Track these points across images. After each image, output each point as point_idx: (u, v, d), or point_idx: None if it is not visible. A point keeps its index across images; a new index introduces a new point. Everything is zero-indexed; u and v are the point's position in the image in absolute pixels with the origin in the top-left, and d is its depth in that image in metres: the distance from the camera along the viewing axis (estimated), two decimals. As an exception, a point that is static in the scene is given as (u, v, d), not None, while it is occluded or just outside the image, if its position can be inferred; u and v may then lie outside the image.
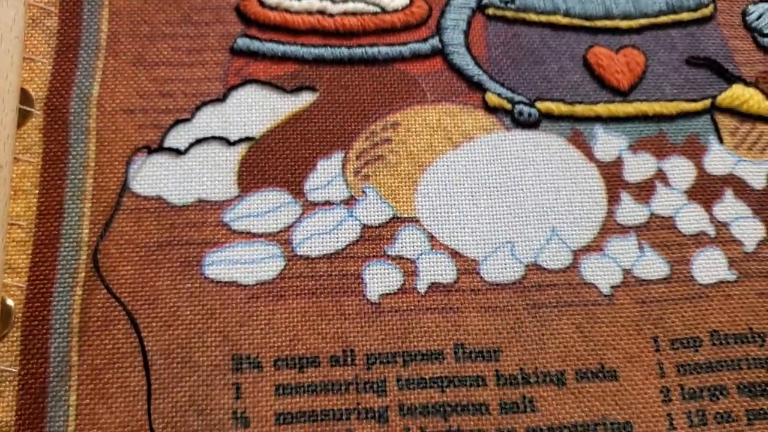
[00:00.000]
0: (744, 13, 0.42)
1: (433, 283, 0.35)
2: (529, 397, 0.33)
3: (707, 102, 0.40)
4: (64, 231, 0.34)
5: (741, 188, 0.38)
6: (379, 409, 0.32)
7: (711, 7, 0.42)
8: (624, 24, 0.41)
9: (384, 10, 0.40)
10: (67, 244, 0.34)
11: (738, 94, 0.40)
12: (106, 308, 0.33)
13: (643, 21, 0.41)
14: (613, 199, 0.37)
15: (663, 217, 0.37)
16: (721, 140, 0.39)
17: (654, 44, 0.41)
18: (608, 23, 0.41)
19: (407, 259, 0.35)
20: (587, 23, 0.41)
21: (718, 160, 0.39)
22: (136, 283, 0.34)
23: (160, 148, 0.36)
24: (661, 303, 0.35)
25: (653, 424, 0.33)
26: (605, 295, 0.35)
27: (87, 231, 0.34)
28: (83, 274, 0.34)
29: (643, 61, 0.40)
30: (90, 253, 0.34)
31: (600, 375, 0.34)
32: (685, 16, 0.42)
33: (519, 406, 0.33)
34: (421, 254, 0.35)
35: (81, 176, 0.35)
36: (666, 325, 0.35)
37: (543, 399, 0.33)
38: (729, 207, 0.38)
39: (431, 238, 0.36)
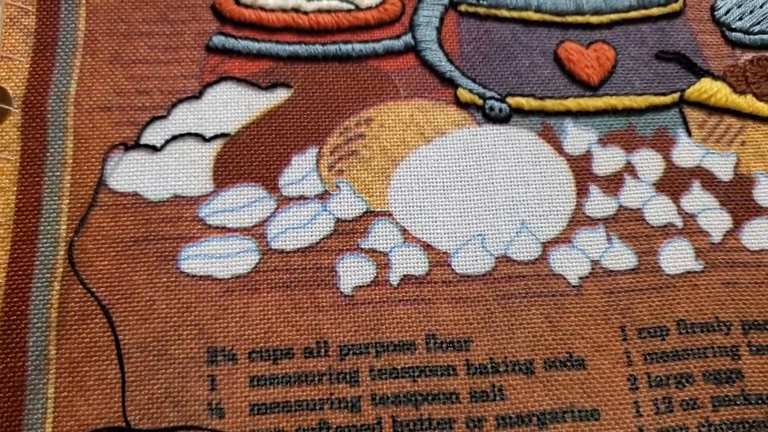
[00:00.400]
0: (713, 8, 0.43)
1: (405, 276, 0.36)
2: (498, 385, 0.34)
3: (676, 96, 0.40)
4: (42, 227, 0.35)
5: (708, 180, 0.39)
6: (352, 399, 0.33)
7: (680, 2, 0.43)
8: (594, 19, 0.42)
9: (358, 8, 0.40)
10: (45, 240, 0.35)
11: (706, 88, 0.40)
12: (83, 302, 0.34)
13: (614, 16, 0.42)
14: (582, 192, 0.38)
15: (631, 209, 0.38)
16: (689, 133, 0.40)
17: (624, 39, 0.42)
18: (579, 18, 0.41)
19: (380, 252, 0.36)
20: (558, 19, 0.41)
21: (686, 152, 0.39)
22: (113, 278, 0.34)
23: (137, 145, 0.37)
24: (628, 293, 0.36)
25: (620, 411, 0.34)
26: (573, 286, 0.36)
27: (65, 227, 0.35)
28: (61, 270, 0.34)
29: (613, 56, 0.41)
30: (67, 249, 0.34)
31: (568, 364, 0.34)
32: (654, 11, 0.42)
33: (488, 395, 0.34)
34: (394, 247, 0.36)
35: (59, 173, 0.36)
36: (633, 314, 0.36)
37: (512, 387, 0.34)
38: (696, 198, 0.38)
39: (404, 231, 0.36)
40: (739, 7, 0.43)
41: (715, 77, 0.41)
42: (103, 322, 0.33)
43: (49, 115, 0.37)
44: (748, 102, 0.41)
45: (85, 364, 0.33)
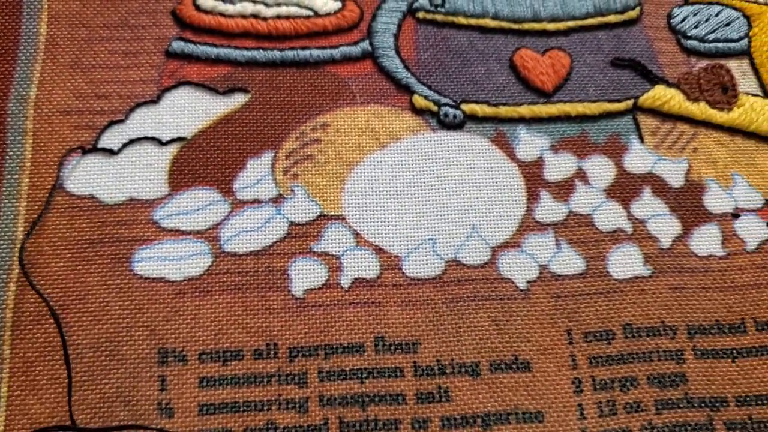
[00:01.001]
0: (669, 16, 0.44)
1: (356, 279, 0.36)
2: (444, 387, 0.35)
3: (630, 102, 0.41)
4: (-2, 229, 0.35)
5: (659, 186, 0.39)
6: (300, 400, 0.34)
7: (637, 10, 0.43)
8: (551, 26, 0.42)
9: (317, 14, 0.41)
10: (1, 242, 0.35)
11: (660, 95, 0.41)
12: (38, 304, 0.34)
13: (571, 23, 0.42)
14: (532, 198, 0.38)
15: (581, 215, 0.38)
16: (642, 140, 0.40)
17: (580, 46, 0.42)
18: (536, 26, 0.42)
19: (332, 255, 0.37)
20: (515, 26, 0.42)
21: (638, 159, 0.40)
22: (67, 279, 0.35)
23: (94, 149, 0.37)
24: (575, 297, 0.37)
25: (564, 413, 0.35)
26: (521, 290, 0.36)
27: (21, 229, 0.36)
28: (17, 271, 0.35)
29: (569, 63, 0.41)
30: (25, 251, 0.35)
31: (513, 366, 0.35)
32: (611, 18, 0.43)
33: (434, 396, 0.34)
34: (346, 251, 0.37)
35: (17, 176, 0.36)
36: (580, 318, 0.36)
37: (458, 389, 0.35)
38: (647, 204, 0.39)
39: (356, 235, 0.37)
40: (695, 15, 0.44)
41: (669, 84, 0.42)
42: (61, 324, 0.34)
43: (9, 119, 0.37)
44: (700, 109, 0.41)
45: (38, 363, 0.34)
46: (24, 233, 0.36)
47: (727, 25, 0.44)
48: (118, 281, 0.35)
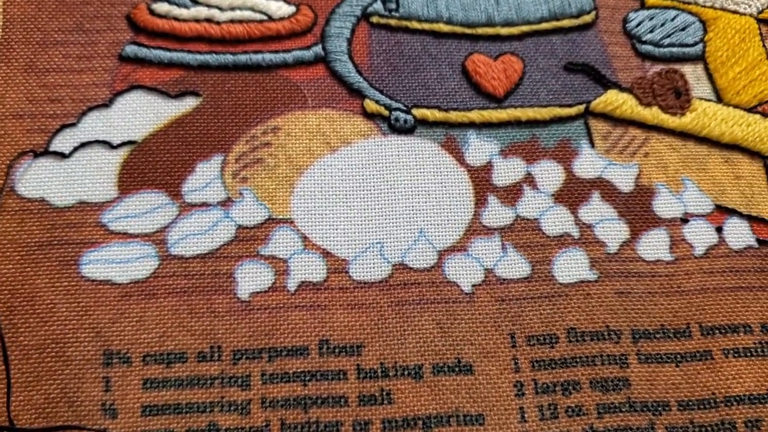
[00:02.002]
0: (625, 20, 0.44)
1: (303, 282, 0.37)
2: (387, 390, 0.35)
3: (581, 107, 0.41)
4: (-51, 231, 0.36)
5: (609, 191, 0.40)
6: (242, 402, 0.34)
7: (593, 14, 0.44)
8: (505, 31, 0.42)
9: (270, 18, 0.41)
10: (-49, 244, 0.36)
11: (612, 99, 0.41)
12: (-14, 305, 0.35)
13: (525, 28, 0.43)
14: (480, 202, 0.39)
15: (528, 219, 0.39)
16: (592, 144, 0.41)
17: (534, 50, 0.42)
18: (489, 30, 0.42)
19: (280, 258, 0.37)
20: (469, 30, 0.42)
21: (588, 163, 0.40)
22: (16, 281, 0.35)
23: (46, 152, 0.38)
24: (519, 301, 0.37)
25: (505, 416, 0.35)
26: (466, 293, 0.37)
27: (-29, 231, 0.36)
28: (-35, 273, 0.35)
29: (521, 68, 0.42)
30: (-27, 253, 0.36)
31: (456, 369, 0.35)
32: (566, 22, 0.43)
33: (377, 399, 0.35)
34: (294, 254, 0.37)
35: (-31, 179, 0.37)
36: (524, 322, 0.36)
37: (400, 392, 0.35)
38: (595, 209, 0.39)
39: (304, 238, 0.37)
40: (651, 19, 0.44)
41: (622, 89, 0.42)
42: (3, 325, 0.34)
43: (-38, 122, 0.38)
44: (653, 114, 0.41)
45: (-16, 364, 0.34)
46: (-26, 235, 0.36)
47: (683, 29, 0.44)
48: (66, 283, 0.36)
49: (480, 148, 0.40)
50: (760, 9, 0.44)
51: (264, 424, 0.34)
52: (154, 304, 0.35)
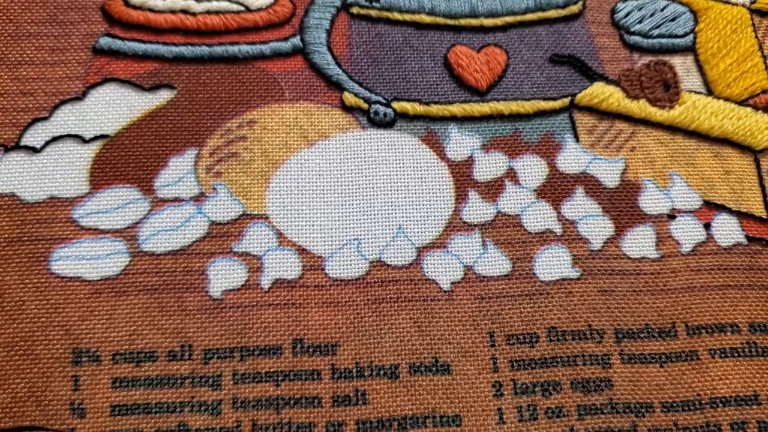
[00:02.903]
0: (613, 11, 0.43)
1: (277, 279, 0.36)
2: (362, 390, 0.34)
3: (566, 100, 0.40)
4: None
5: (593, 186, 0.39)
6: (213, 403, 0.33)
7: (580, 5, 0.43)
8: (489, 22, 0.41)
9: (248, 9, 0.40)
10: None
11: (597, 92, 0.40)
12: (-46, 302, 0.34)
13: (509, 19, 0.42)
14: (460, 198, 0.38)
15: (509, 215, 0.38)
16: (577, 138, 0.40)
17: (518, 42, 0.41)
18: (473, 21, 0.41)
19: (253, 255, 0.36)
20: (451, 22, 0.41)
21: (572, 158, 0.39)
22: (-16, 278, 0.35)
23: (17, 146, 0.37)
24: (500, 299, 0.36)
25: (483, 417, 0.34)
26: (444, 291, 0.36)
27: (-60, 227, 0.35)
28: (-67, 269, 0.35)
29: (504, 60, 0.40)
30: (-59, 249, 0.35)
31: (433, 369, 0.35)
32: (552, 13, 0.42)
33: (351, 399, 0.34)
34: (268, 251, 0.36)
35: (-62, 173, 0.36)
36: (503, 320, 0.36)
37: (375, 392, 0.34)
38: (579, 205, 0.38)
39: (279, 234, 0.37)
40: (639, 10, 0.43)
41: (609, 81, 0.41)
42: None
43: (-68, 116, 0.37)
44: (640, 107, 0.40)
45: (-48, 363, 0.33)
46: (-57, 231, 0.35)
47: (673, 20, 0.43)
48: (35, 280, 0.35)
49: (461, 143, 0.39)
50: (753, -1, 0.43)
51: (235, 424, 0.33)
52: (124, 301, 0.35)
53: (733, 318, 0.36)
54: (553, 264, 0.37)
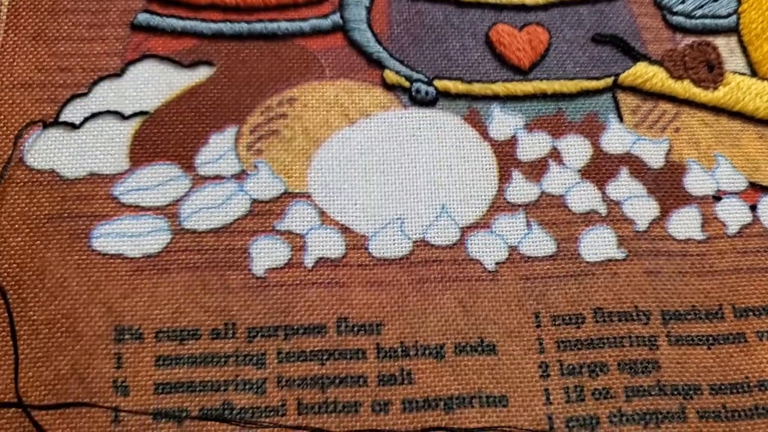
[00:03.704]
0: (655, -9, 0.42)
1: (320, 258, 0.35)
2: (407, 369, 0.34)
3: (609, 80, 0.40)
4: (-44, 203, 0.35)
5: (638, 167, 0.38)
6: (257, 381, 0.33)
7: (621, -16, 0.42)
8: (530, 1, 0.41)
9: (287, -14, 0.40)
10: (-42, 216, 0.35)
11: (641, 72, 0.40)
12: (-6, 279, 0.34)
13: (551, -2, 0.41)
14: (504, 178, 0.37)
15: (553, 196, 0.37)
16: (621, 119, 0.39)
17: (560, 21, 0.41)
18: (514, 0, 0.41)
19: (296, 234, 0.36)
20: (492, 0, 0.41)
21: (616, 138, 0.39)
22: (25, 255, 0.34)
23: (56, 122, 0.36)
24: (545, 280, 0.35)
25: (529, 398, 0.34)
26: (489, 271, 0.35)
27: (-21, 203, 0.35)
28: (-26, 246, 0.34)
29: (547, 39, 0.40)
30: (-19, 225, 0.35)
31: (479, 349, 0.34)
32: (594, -7, 0.41)
33: (396, 378, 0.33)
34: (311, 229, 0.36)
35: (-24, 149, 0.36)
36: (548, 301, 0.35)
37: (421, 371, 0.34)
38: (623, 186, 0.38)
39: (322, 213, 0.36)
40: (682, -10, 0.42)
41: (652, 61, 0.40)
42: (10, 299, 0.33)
43: (-30, 91, 0.37)
44: (684, 87, 0.40)
45: (-8, 340, 0.33)
46: (-18, 207, 0.35)
47: (716, 0, 0.42)
48: (77, 257, 0.34)
49: (504, 122, 0.38)
50: (797, -21, 0.43)
51: (280, 403, 0.33)
52: (166, 279, 0.34)
53: (780, 300, 0.36)
54: (598, 245, 0.36)
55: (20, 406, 0.31)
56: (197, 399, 0.33)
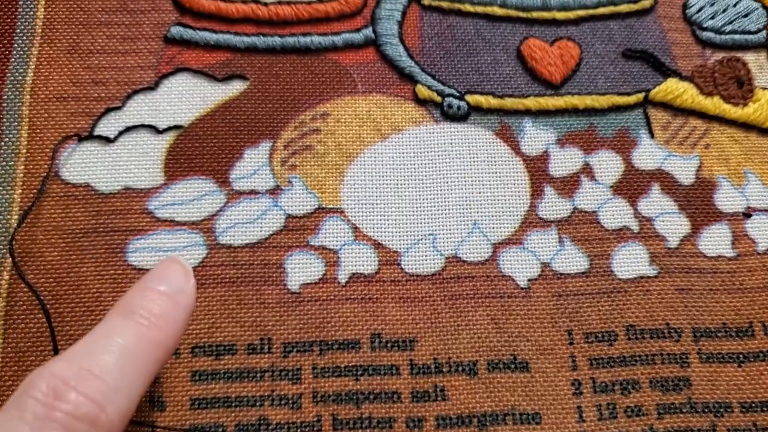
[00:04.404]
0: (684, 6, 0.42)
1: (354, 274, 0.35)
2: (440, 386, 0.34)
3: (640, 96, 0.40)
4: (-7, 216, 0.35)
5: (669, 183, 0.38)
6: (293, 396, 0.33)
7: (651, 0, 0.42)
8: (561, 15, 0.41)
9: (319, 0, 0.40)
10: (-5, 230, 0.35)
11: (672, 88, 0.40)
12: (31, 294, 0.34)
13: (581, 12, 0.41)
14: (536, 193, 0.37)
15: (586, 212, 0.37)
16: (652, 134, 0.39)
17: (591, 36, 0.41)
18: (545, 14, 0.41)
19: (330, 249, 0.36)
20: (523, 14, 0.41)
21: (648, 154, 0.39)
22: (61, 269, 0.35)
23: (90, 136, 0.37)
24: (577, 296, 0.36)
25: (562, 416, 0.34)
26: (522, 288, 0.36)
27: (15, 217, 0.35)
28: (10, 260, 0.34)
29: (578, 54, 0.40)
30: (18, 240, 0.35)
31: (512, 366, 0.34)
32: (624, 7, 0.41)
33: (430, 395, 0.34)
34: (344, 245, 0.36)
35: (12, 163, 0.36)
36: (581, 318, 0.35)
37: (454, 388, 0.34)
38: (655, 202, 0.38)
39: (355, 229, 0.36)
40: (711, 5, 0.42)
41: (682, 77, 0.40)
42: (51, 314, 0.34)
43: (5, 104, 0.37)
44: (714, 104, 0.40)
45: (30, 354, 0.33)
46: (18, 222, 0.35)
47: (746, 16, 0.42)
48: (112, 272, 0.35)
49: (536, 137, 0.38)
50: (827, -6, 0.43)
51: (315, 419, 0.33)
52: (202, 294, 0.35)
53: (810, 318, 0.36)
54: (630, 261, 0.36)
55: None
56: (233, 414, 0.33)
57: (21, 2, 0.39)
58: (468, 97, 0.39)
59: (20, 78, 0.37)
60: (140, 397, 0.26)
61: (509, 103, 0.39)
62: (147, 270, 0.35)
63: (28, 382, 0.23)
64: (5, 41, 0.38)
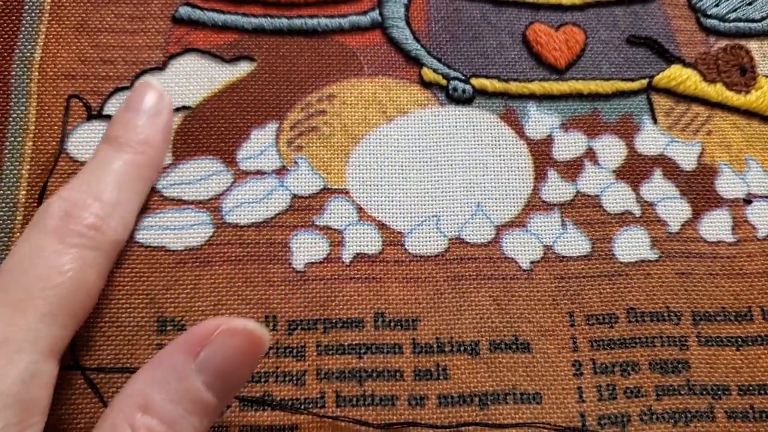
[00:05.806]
0: (689, -7, 0.42)
1: (358, 254, 0.36)
2: (442, 365, 0.34)
3: (644, 81, 0.40)
4: (1, 192, 0.35)
5: (671, 169, 0.39)
6: (297, 373, 0.34)
7: (656, -14, 0.42)
8: (567, 1, 0.41)
9: (326, -18, 0.40)
10: (3, 206, 0.35)
11: (675, 75, 0.40)
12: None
13: (587, -2, 0.41)
14: (539, 177, 0.38)
15: (588, 196, 0.38)
16: (655, 120, 0.39)
17: (596, 22, 0.41)
18: (551, 0, 0.41)
19: (334, 229, 0.36)
20: (529, -1, 0.41)
21: (650, 140, 0.39)
22: (69, 245, 0.35)
23: (99, 115, 0.37)
24: (579, 279, 0.36)
25: (563, 396, 0.34)
26: (524, 270, 0.36)
27: (24, 193, 0.36)
28: (18, 235, 0.35)
29: (583, 39, 0.40)
30: (25, 215, 0.35)
31: (513, 346, 0.35)
32: (629, -6, 0.42)
33: (432, 374, 0.34)
34: (349, 225, 0.36)
35: (20, 139, 0.36)
36: (583, 300, 0.36)
37: (456, 367, 0.34)
38: (657, 187, 0.38)
39: (360, 209, 0.37)
40: (716, -8, 0.42)
41: (686, 64, 0.41)
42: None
43: (13, 81, 0.37)
44: (717, 91, 0.40)
45: (38, 328, 0.34)
46: (26, 197, 0.35)
47: (750, 4, 0.42)
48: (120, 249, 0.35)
49: (540, 121, 0.39)
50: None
51: (319, 395, 0.34)
52: (208, 271, 0.35)
53: (808, 303, 0.37)
54: (632, 245, 0.37)
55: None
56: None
57: (30, -20, 0.39)
58: (473, 81, 0.39)
59: (29, 54, 0.38)
60: (137, 211, 0.34)
61: (514, 87, 0.39)
62: (154, 248, 0.35)
63: (44, 207, 0.30)
64: (14, 17, 0.38)
